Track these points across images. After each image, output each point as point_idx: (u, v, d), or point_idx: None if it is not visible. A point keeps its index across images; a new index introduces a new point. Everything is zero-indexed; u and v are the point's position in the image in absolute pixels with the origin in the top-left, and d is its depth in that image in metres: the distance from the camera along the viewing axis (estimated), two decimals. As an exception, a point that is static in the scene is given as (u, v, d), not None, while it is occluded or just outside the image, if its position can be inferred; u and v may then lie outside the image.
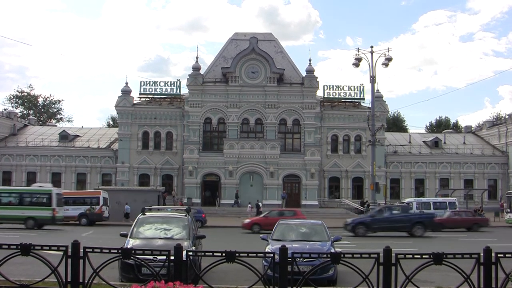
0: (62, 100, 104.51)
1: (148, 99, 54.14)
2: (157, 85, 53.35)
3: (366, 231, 28.26)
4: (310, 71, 52.20)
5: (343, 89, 53.02)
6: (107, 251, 7.66)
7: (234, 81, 51.16)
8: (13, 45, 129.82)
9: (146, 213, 13.36)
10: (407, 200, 41.99)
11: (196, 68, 52.40)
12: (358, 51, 37.73)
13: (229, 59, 52.68)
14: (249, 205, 43.18)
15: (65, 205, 36.06)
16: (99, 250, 7.62)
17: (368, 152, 45.93)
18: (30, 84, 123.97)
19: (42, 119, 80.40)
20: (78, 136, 57.31)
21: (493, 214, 43.85)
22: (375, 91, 42.31)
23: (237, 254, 7.52)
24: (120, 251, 7.87)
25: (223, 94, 51.31)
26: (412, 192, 53.45)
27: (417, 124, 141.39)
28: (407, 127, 79.82)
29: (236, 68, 50.90)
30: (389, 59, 37.27)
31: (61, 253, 7.60)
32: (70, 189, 49.97)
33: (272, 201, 47.26)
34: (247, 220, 32.86)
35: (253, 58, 51.27)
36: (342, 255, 7.80)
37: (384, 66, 37.43)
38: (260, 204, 43.71)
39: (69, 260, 7.65)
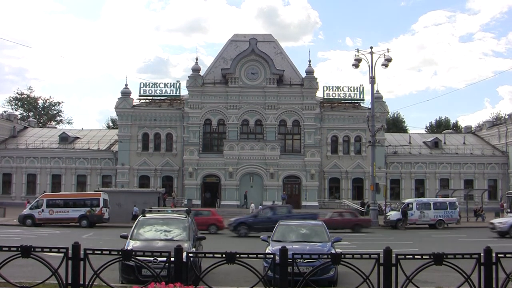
0: (62, 102, 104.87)
1: (147, 100, 54.08)
2: (157, 87, 53.32)
3: (248, 231, 28.29)
4: (309, 72, 52.16)
5: (343, 90, 52.98)
6: (108, 252, 7.66)
7: (234, 82, 51.14)
8: (12, 47, 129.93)
9: (146, 215, 13.35)
10: (407, 200, 41.77)
11: (196, 69, 52.36)
12: (358, 52, 37.85)
13: (229, 60, 52.69)
14: (252, 206, 42.56)
15: (65, 207, 36.25)
16: (99, 252, 7.62)
17: (368, 153, 45.89)
18: (30, 86, 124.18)
19: (42, 121, 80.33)
20: (78, 138, 57.28)
21: (493, 214, 43.82)
22: (375, 91, 42.36)
23: (238, 255, 7.53)
24: (120, 253, 7.87)
25: (223, 95, 51.28)
26: (412, 193, 53.37)
27: (417, 124, 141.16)
28: (407, 128, 79.96)
29: (236, 69, 50.88)
30: (388, 60, 37.36)
31: (62, 255, 7.61)
32: (70, 191, 50.15)
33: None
34: None
35: (252, 59, 51.24)
36: (342, 255, 7.81)
37: (384, 66, 37.52)
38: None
39: (70, 262, 7.66)
